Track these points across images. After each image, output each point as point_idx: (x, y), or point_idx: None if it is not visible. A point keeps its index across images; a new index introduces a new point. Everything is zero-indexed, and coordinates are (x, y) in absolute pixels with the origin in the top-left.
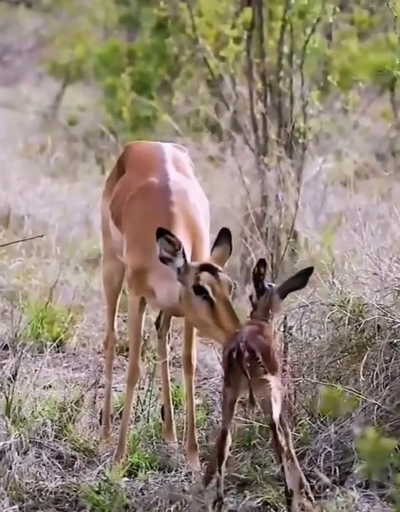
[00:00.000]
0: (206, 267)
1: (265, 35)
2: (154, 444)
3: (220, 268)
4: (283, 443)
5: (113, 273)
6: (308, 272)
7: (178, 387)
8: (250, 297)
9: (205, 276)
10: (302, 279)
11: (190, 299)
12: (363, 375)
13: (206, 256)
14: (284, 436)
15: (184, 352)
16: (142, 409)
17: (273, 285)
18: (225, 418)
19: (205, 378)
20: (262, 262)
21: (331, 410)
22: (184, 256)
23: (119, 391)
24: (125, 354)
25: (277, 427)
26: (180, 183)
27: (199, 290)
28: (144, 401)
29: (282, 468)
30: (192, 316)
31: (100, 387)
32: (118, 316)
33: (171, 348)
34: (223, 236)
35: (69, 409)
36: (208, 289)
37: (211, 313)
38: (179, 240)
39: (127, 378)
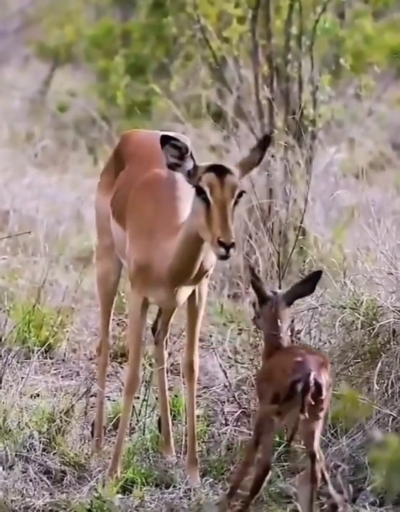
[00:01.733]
0: (215, 168)
1: (272, 14)
2: (151, 457)
3: (233, 170)
4: (319, 473)
5: (109, 272)
6: (317, 275)
7: (176, 396)
8: (253, 305)
9: (207, 176)
10: (310, 284)
11: (193, 200)
12: (377, 383)
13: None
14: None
15: (186, 358)
16: (138, 420)
17: (278, 292)
18: (266, 450)
19: (205, 387)
20: (251, 270)
21: (345, 415)
22: (193, 158)
23: (113, 400)
24: (119, 360)
25: (316, 458)
26: None
27: (198, 191)
28: (140, 411)
29: (311, 506)
30: (192, 219)
31: (91, 396)
32: (112, 319)
33: (169, 354)
34: (264, 142)
35: (58, 420)
36: (207, 190)
37: (205, 214)
38: (185, 144)
39: (125, 387)
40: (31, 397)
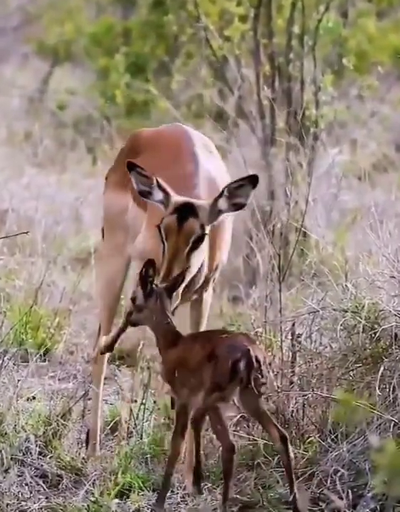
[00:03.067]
0: (180, 210)
1: (274, 13)
2: (148, 462)
3: (201, 211)
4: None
5: (119, 272)
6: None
7: None
8: (133, 299)
9: (167, 220)
10: (179, 278)
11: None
12: (378, 388)
13: (224, 248)
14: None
15: None
16: (135, 424)
17: (159, 285)
18: (225, 435)
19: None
20: (150, 262)
21: (346, 419)
22: (162, 189)
23: (111, 404)
24: (117, 363)
25: (288, 440)
26: (214, 175)
27: (159, 231)
28: (137, 415)
29: (291, 485)
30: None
31: (89, 399)
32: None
33: None
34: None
35: (55, 424)
36: (163, 234)
37: (161, 254)
38: (151, 174)
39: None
40: (28, 400)
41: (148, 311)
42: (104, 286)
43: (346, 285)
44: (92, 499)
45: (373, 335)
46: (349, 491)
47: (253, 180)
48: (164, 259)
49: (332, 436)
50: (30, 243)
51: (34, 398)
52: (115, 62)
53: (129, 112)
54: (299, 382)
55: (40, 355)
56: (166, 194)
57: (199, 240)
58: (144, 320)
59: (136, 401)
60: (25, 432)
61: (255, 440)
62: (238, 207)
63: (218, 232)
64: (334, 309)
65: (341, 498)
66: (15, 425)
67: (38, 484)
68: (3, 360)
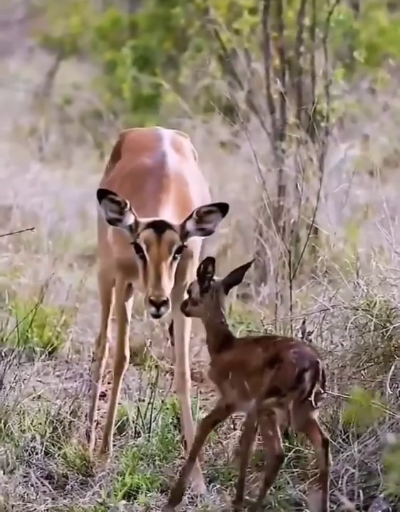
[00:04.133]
0: (155, 224)
1: (284, 5)
2: (156, 463)
3: (174, 226)
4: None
5: (110, 270)
6: (248, 264)
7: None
8: (189, 292)
9: (145, 234)
10: (241, 271)
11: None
12: (390, 387)
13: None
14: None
15: (177, 369)
16: (143, 425)
17: (218, 279)
18: (276, 440)
19: (213, 390)
20: (210, 260)
21: (357, 419)
22: (133, 213)
23: (118, 404)
24: None
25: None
26: (177, 164)
27: (136, 248)
28: (145, 415)
29: (325, 492)
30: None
31: (103, 395)
32: (112, 319)
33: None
34: (219, 208)
35: (61, 423)
36: (144, 247)
37: (142, 272)
38: (124, 199)
39: (113, 367)
40: (33, 399)
41: (203, 306)
42: (99, 283)
43: (357, 282)
44: (99, 500)
45: (385, 333)
46: (361, 492)
47: (223, 209)
48: (147, 271)
49: (343, 436)
50: (35, 240)
51: (40, 397)
52: (122, 56)
53: (136, 106)
54: None
55: (46, 353)
56: (135, 217)
57: (179, 250)
58: (198, 314)
59: (143, 400)
60: (31, 431)
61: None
62: (205, 233)
63: (185, 209)
64: (345, 307)
65: (353, 500)
66: (20, 425)
67: (44, 485)
68: (8, 359)
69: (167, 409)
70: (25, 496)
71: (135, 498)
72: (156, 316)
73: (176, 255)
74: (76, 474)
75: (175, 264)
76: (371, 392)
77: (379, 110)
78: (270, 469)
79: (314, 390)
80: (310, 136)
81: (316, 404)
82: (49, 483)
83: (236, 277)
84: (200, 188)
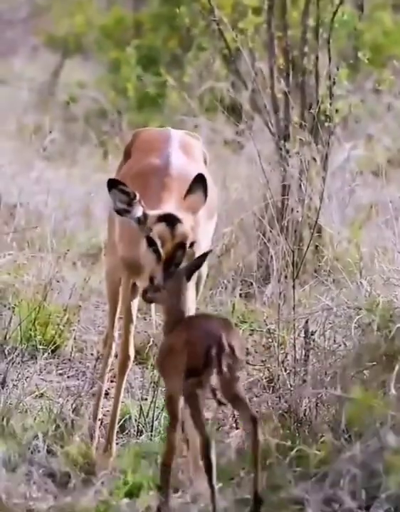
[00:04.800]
0: (166, 218)
1: (288, 5)
2: (158, 461)
3: (183, 218)
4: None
5: (116, 268)
6: (208, 252)
7: None
8: (151, 279)
9: (159, 227)
10: (202, 259)
11: (144, 249)
12: (393, 387)
13: (203, 246)
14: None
15: None
16: (145, 423)
17: (180, 268)
18: (201, 426)
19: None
20: (181, 246)
21: (360, 419)
22: (142, 205)
23: (122, 402)
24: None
25: (258, 420)
26: (182, 165)
27: (150, 242)
28: (147, 413)
29: (256, 472)
30: (145, 268)
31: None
32: (120, 318)
33: None
34: (198, 182)
35: (63, 422)
36: (158, 242)
37: (156, 267)
38: (133, 190)
39: (118, 367)
40: (36, 397)
41: (166, 292)
42: (106, 282)
43: (360, 282)
44: (101, 499)
45: (388, 333)
46: (363, 492)
47: (201, 179)
48: (160, 266)
49: (346, 436)
50: (39, 238)
51: (42, 395)
52: (126, 55)
53: (140, 105)
54: (312, 380)
55: (49, 351)
56: (144, 209)
57: (192, 245)
58: (161, 300)
59: (146, 399)
60: (33, 430)
61: (267, 440)
62: (204, 201)
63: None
64: (348, 307)
65: (355, 499)
66: (23, 423)
67: (46, 483)
68: (11, 357)
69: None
70: (28, 494)
71: (137, 497)
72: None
73: (190, 249)
74: (78, 473)
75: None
76: (374, 392)
77: (382, 110)
78: (202, 449)
79: (225, 363)
80: (314, 136)
81: (232, 376)
82: (51, 481)
83: (197, 263)
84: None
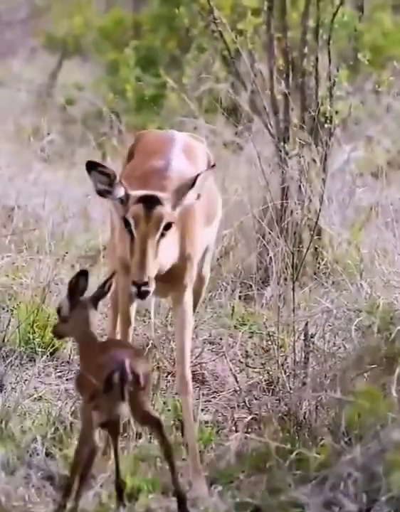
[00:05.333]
0: (146, 198)
1: (288, 6)
2: (157, 464)
3: (164, 199)
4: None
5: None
6: (110, 277)
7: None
8: (58, 309)
9: (135, 208)
10: (107, 284)
11: (122, 229)
12: (394, 390)
13: (193, 239)
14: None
15: (178, 371)
16: None
17: (85, 296)
18: (84, 439)
19: (215, 391)
20: (83, 272)
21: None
22: (124, 185)
23: None
24: None
25: (162, 424)
26: (183, 168)
27: (125, 222)
28: None
29: (172, 465)
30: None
31: None
32: None
33: None
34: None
35: (62, 424)
36: (132, 222)
37: (130, 248)
38: (112, 170)
39: None
40: (34, 400)
41: (73, 322)
42: None
43: (361, 284)
44: (101, 502)
45: (388, 335)
46: (363, 495)
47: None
48: (134, 248)
49: (346, 439)
50: (37, 240)
51: (41, 398)
52: (125, 56)
53: (139, 107)
54: (312, 383)
55: (48, 354)
56: (126, 190)
57: (168, 226)
58: (70, 332)
59: None
60: (32, 432)
61: (267, 443)
62: (192, 184)
63: (186, 222)
64: (348, 309)
65: (355, 502)
66: (21, 426)
67: (45, 486)
68: (9, 360)
69: (169, 410)
70: (26, 498)
71: (136, 500)
72: (139, 296)
73: (165, 232)
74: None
75: (164, 242)
76: (375, 395)
77: (382, 112)
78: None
79: (126, 389)
80: (314, 138)
81: (133, 402)
82: (50, 484)
83: (102, 291)
84: (207, 194)
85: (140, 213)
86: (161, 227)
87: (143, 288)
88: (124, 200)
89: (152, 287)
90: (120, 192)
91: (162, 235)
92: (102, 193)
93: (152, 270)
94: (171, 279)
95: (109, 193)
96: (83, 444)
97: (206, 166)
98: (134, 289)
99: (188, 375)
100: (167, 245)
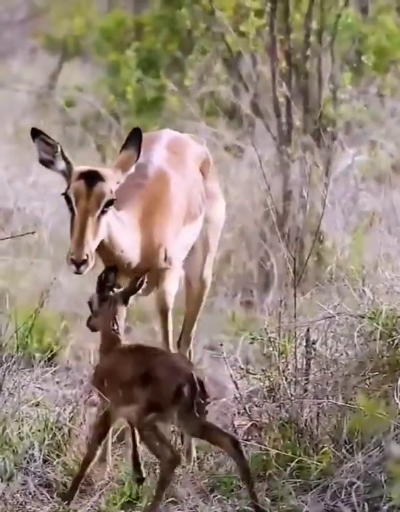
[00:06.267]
0: (87, 175)
1: (291, 7)
2: (156, 472)
3: (106, 175)
4: None
5: None
6: (145, 272)
7: None
8: (90, 303)
9: (76, 184)
10: (140, 281)
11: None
12: (396, 397)
13: (165, 224)
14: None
15: None
16: None
17: (116, 290)
18: (162, 451)
19: (215, 398)
20: (111, 269)
21: (362, 428)
22: (65, 158)
23: None
24: None
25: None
26: (162, 165)
27: (67, 199)
28: None
29: (251, 491)
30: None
31: (94, 405)
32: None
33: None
34: (133, 138)
35: (60, 431)
36: (73, 199)
37: (71, 225)
38: (56, 142)
39: None
40: (32, 406)
41: (102, 316)
42: None
43: (363, 290)
44: (99, 510)
45: (391, 342)
46: (365, 504)
47: (135, 134)
48: (74, 225)
49: (347, 447)
50: (36, 244)
51: (39, 404)
52: (126, 58)
53: (139, 109)
54: (313, 390)
55: (46, 359)
56: (68, 164)
57: (109, 203)
58: (99, 325)
59: None
60: (29, 438)
61: (267, 450)
62: (136, 157)
63: (155, 212)
64: (350, 315)
65: (356, 511)
66: (19, 432)
67: (43, 493)
68: (7, 365)
69: None
70: (23, 505)
71: (135, 508)
72: (78, 273)
73: (106, 209)
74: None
75: (104, 219)
76: (377, 402)
77: (386, 116)
78: (165, 472)
79: (195, 401)
80: (316, 141)
81: (200, 413)
82: (48, 491)
83: (134, 287)
84: (188, 191)
85: (81, 190)
86: (102, 204)
87: (82, 267)
88: (67, 174)
89: (92, 264)
90: (61, 165)
91: (104, 212)
92: (45, 163)
93: (92, 247)
94: (148, 270)
95: (52, 163)
96: (164, 454)
97: (197, 165)
98: (73, 267)
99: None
100: (107, 223)
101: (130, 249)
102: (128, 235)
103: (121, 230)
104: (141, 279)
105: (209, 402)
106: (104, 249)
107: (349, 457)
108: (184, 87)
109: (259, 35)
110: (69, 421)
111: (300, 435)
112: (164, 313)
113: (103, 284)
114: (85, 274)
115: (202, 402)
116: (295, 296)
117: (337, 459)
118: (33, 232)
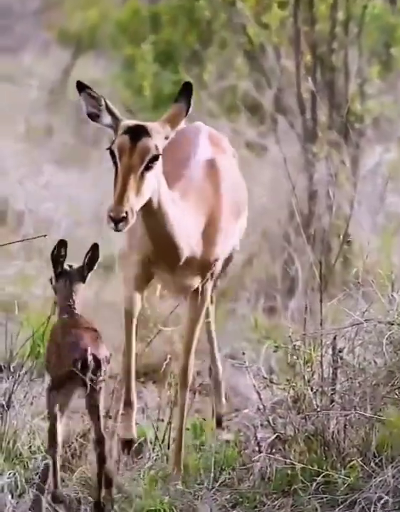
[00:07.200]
0: (132, 129)
1: None
2: (173, 486)
3: (153, 130)
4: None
5: None
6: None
7: (204, 419)
8: (50, 280)
9: (119, 140)
10: (95, 252)
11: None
12: None
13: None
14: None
15: (181, 363)
16: (160, 447)
17: (73, 266)
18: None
19: (237, 409)
20: (62, 243)
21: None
22: (111, 112)
23: (136, 423)
24: (142, 379)
25: (104, 441)
26: (212, 157)
27: (111, 155)
28: (163, 438)
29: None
30: None
31: (109, 417)
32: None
33: (198, 373)
34: (184, 92)
35: (73, 444)
36: (117, 154)
37: (114, 179)
38: (101, 96)
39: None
40: (43, 418)
41: (59, 293)
42: (124, 292)
43: (392, 295)
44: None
45: None
46: None
47: (187, 86)
48: (116, 181)
49: (376, 460)
50: (48, 247)
51: None
52: (143, 51)
53: (156, 104)
54: (340, 401)
55: None
56: (115, 117)
57: (154, 159)
58: (58, 302)
59: (162, 420)
60: (41, 452)
61: (293, 464)
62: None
63: (214, 208)
64: (379, 322)
65: None
66: (30, 446)
67: (56, 510)
68: (18, 375)
69: (187, 429)
70: None
71: None
72: (117, 230)
73: (150, 165)
74: (89, 498)
75: (149, 175)
76: None
77: None
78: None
79: (88, 378)
80: (343, 139)
81: (93, 389)
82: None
83: (91, 262)
84: (233, 183)
85: (124, 145)
86: (147, 160)
87: (121, 224)
88: (115, 128)
89: (132, 221)
90: (107, 119)
91: (148, 167)
92: (92, 116)
93: (134, 204)
94: (195, 267)
95: (98, 116)
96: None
97: (231, 156)
98: (111, 225)
99: (191, 369)
100: (153, 180)
101: (182, 231)
102: (181, 214)
103: (171, 204)
104: (95, 251)
105: (103, 380)
106: (153, 218)
107: (378, 471)
108: (203, 82)
109: (282, 26)
110: (83, 434)
111: (326, 448)
112: (196, 320)
113: (57, 259)
114: (100, 279)
115: (96, 378)
116: (321, 301)
117: (366, 473)
118: (45, 235)
